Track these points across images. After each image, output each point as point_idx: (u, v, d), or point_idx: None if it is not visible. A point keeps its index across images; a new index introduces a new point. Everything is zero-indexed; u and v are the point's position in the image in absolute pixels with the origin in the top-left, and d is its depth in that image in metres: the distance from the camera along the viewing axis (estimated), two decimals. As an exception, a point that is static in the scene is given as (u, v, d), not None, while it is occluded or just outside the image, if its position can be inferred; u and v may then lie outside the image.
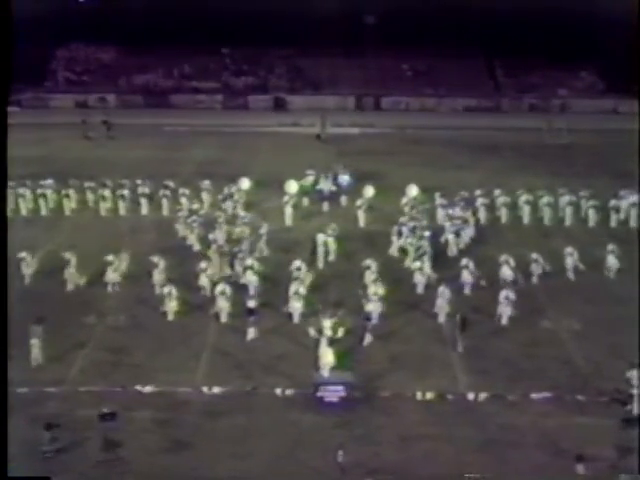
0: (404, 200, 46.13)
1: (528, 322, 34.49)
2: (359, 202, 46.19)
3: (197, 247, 41.73)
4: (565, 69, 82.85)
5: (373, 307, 33.99)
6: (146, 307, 35.87)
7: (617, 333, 33.36)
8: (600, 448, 25.36)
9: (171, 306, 35.04)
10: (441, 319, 34.62)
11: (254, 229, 41.91)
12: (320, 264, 40.16)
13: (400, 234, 41.59)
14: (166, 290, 35.25)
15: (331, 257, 41.20)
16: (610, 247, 39.08)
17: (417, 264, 38.16)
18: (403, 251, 40.93)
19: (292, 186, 48.24)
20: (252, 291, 35.98)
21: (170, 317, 34.95)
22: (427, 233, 41.22)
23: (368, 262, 37.11)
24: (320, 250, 40.74)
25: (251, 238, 41.04)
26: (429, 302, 35.30)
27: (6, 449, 21.19)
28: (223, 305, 34.76)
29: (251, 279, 36.53)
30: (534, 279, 38.16)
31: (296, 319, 34.73)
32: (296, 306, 34.77)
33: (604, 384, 29.43)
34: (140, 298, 36.75)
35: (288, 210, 45.82)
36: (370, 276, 36.24)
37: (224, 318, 34.65)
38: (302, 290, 35.22)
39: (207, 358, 31.88)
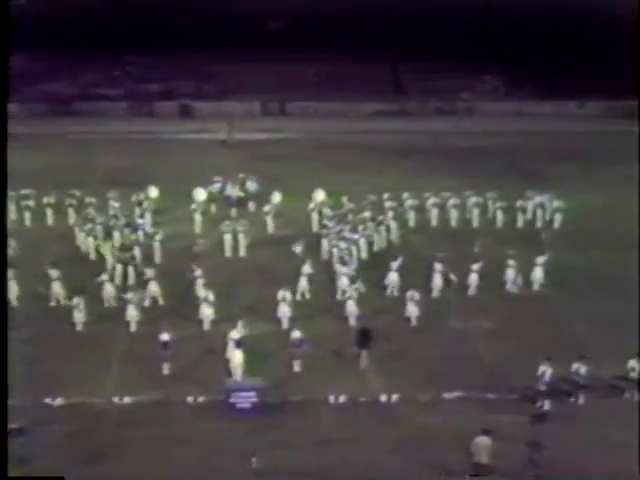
0: (311, 205, 46.20)
1: (438, 322, 34.81)
2: (267, 208, 46.13)
3: (93, 256, 41.45)
4: (469, 72, 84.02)
5: (282, 312, 34.43)
6: (52, 319, 35.28)
7: (526, 331, 33.96)
8: (512, 444, 25.67)
9: (79, 317, 34.52)
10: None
11: (149, 235, 42.25)
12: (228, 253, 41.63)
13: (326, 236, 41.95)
14: (75, 301, 34.71)
15: (242, 252, 42.13)
16: (511, 262, 38.45)
17: (343, 269, 38.21)
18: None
19: (200, 194, 47.94)
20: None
21: (79, 327, 34.45)
22: (355, 236, 41.66)
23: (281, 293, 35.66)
24: (227, 245, 41.98)
25: (145, 243, 41.65)
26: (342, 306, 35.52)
27: (6, 449, 20.73)
28: (132, 314, 34.44)
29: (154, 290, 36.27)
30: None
31: (207, 326, 34.55)
32: (207, 313, 34.57)
33: (514, 382, 29.87)
34: (45, 310, 36.13)
35: (197, 217, 45.48)
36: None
37: (134, 327, 34.38)
38: (211, 297, 34.93)
39: (117, 368, 31.40)
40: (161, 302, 36.09)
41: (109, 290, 36.21)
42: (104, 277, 36.77)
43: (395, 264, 38.24)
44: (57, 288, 36.64)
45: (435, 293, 37.65)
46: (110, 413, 28.47)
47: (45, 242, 43.55)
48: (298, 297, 36.66)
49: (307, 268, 37.59)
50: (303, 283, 37.00)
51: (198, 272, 36.70)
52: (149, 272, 37.36)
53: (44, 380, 30.30)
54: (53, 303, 36.68)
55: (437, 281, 37.80)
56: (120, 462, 25.65)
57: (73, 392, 29.27)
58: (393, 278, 37.88)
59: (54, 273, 37.05)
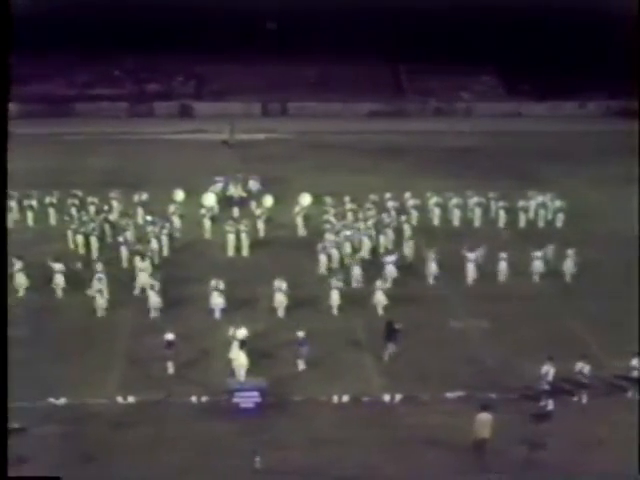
0: (297, 209, 46.20)
1: (437, 323, 34.82)
2: (258, 212, 45.99)
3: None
4: (467, 73, 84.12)
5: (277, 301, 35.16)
6: (51, 316, 35.40)
7: (524, 331, 33.99)
8: (511, 444, 25.72)
9: (101, 303, 35.32)
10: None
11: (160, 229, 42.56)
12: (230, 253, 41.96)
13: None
14: (95, 287, 35.60)
15: (245, 252, 42.29)
16: (503, 255, 39.33)
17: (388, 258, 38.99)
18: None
19: (209, 199, 47.85)
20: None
21: (100, 313, 35.25)
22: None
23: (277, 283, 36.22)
24: (230, 245, 42.21)
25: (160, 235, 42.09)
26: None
27: (6, 449, 20.68)
28: (155, 300, 35.29)
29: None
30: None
31: (217, 315, 35.00)
32: (217, 301, 35.06)
33: (513, 381, 29.91)
34: (44, 307, 36.26)
35: (206, 222, 45.12)
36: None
37: (154, 314, 35.24)
38: (222, 285, 35.40)
39: (117, 367, 31.39)
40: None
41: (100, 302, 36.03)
42: (96, 283, 36.56)
43: (391, 258, 38.85)
44: (58, 280, 37.20)
45: (470, 281, 38.76)
46: (107, 414, 28.40)
47: (47, 240, 43.48)
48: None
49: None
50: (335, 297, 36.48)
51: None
52: (140, 264, 38.04)
53: (42, 380, 30.22)
54: (59, 294, 37.20)
55: (470, 270, 38.77)
56: (115, 462, 25.67)
57: (75, 392, 29.23)
58: (391, 271, 38.35)
59: (57, 266, 37.51)
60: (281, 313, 35.36)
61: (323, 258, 40.06)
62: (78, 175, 54.37)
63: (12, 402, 27.73)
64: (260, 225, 44.96)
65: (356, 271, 38.26)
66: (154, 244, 41.37)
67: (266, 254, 42.22)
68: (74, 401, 28.78)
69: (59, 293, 37.36)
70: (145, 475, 25.18)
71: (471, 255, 38.99)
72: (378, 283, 36.17)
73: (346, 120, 75.46)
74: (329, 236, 41.61)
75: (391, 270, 38.47)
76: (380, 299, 35.65)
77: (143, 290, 36.82)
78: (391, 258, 38.98)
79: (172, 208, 45.41)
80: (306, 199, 47.58)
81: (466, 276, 38.94)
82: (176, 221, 44.63)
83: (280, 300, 35.39)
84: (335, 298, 35.78)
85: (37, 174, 53.50)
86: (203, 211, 45.87)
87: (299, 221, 45.55)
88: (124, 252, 40.66)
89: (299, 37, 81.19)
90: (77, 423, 27.71)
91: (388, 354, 31.82)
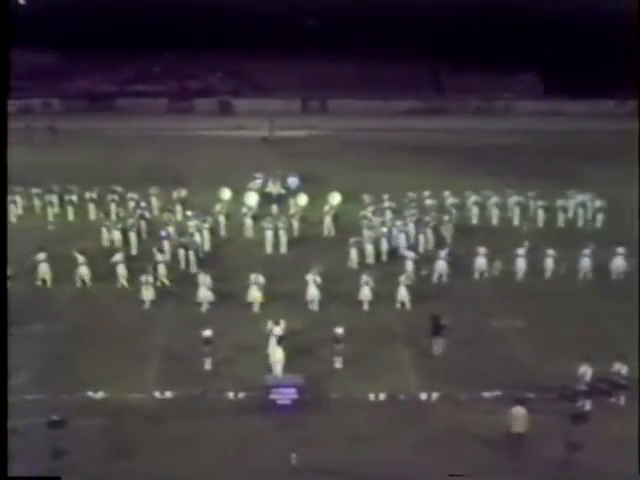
0: (326, 208, 46.13)
1: (475, 321, 34.70)
2: (292, 211, 45.98)
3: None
4: (507, 71, 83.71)
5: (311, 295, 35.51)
6: (92, 311, 35.72)
7: (562, 330, 33.79)
8: (548, 444, 25.59)
9: (147, 294, 35.77)
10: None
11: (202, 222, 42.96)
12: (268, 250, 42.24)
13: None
14: (143, 279, 35.99)
15: (282, 249, 42.43)
16: (549, 251, 39.45)
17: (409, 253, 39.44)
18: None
19: (252, 198, 47.95)
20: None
21: (147, 306, 35.73)
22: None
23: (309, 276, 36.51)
24: (269, 242, 42.42)
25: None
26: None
27: (6, 449, 20.87)
28: (205, 294, 35.63)
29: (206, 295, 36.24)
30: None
31: (256, 308, 35.24)
32: (255, 295, 35.34)
33: (551, 381, 29.72)
34: (87, 301, 36.69)
35: (248, 222, 45.07)
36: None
37: (205, 308, 35.50)
38: (261, 279, 35.72)
39: (155, 362, 31.60)
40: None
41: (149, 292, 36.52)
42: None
43: (443, 252, 39.18)
44: (83, 270, 37.96)
45: (520, 276, 39.01)
46: (145, 408, 28.54)
47: (82, 236, 43.72)
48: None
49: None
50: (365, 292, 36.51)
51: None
52: (159, 256, 38.46)
53: (80, 374, 30.49)
54: (79, 284, 37.91)
55: (521, 265, 38.96)
56: (151, 456, 25.79)
57: (114, 386, 29.39)
58: (442, 266, 38.76)
59: (80, 258, 38.22)
60: (315, 307, 35.61)
61: (354, 253, 40.28)
62: (118, 171, 54.76)
63: (51, 395, 28.44)
64: (295, 224, 44.88)
65: (408, 266, 38.36)
66: (197, 237, 41.69)
67: (303, 251, 42.21)
68: (112, 395, 28.99)
69: (87, 282, 38.02)
70: (181, 470, 25.28)
71: (521, 250, 39.14)
72: (402, 278, 36.30)
73: (386, 118, 75.36)
74: (366, 232, 41.66)
75: (442, 265, 38.73)
76: (403, 294, 35.86)
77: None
78: (443, 253, 39.23)
79: (218, 207, 45.53)
80: (336, 198, 47.60)
81: (516, 272, 39.00)
82: (222, 220, 44.74)
83: (313, 293, 35.61)
84: (366, 294, 35.85)
85: (78, 169, 53.93)
86: (245, 210, 45.86)
87: (328, 220, 45.35)
88: (166, 245, 40.97)
89: (339, 34, 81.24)
90: (114, 417, 27.86)
91: (437, 349, 31.94)
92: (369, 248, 40.79)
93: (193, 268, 39.51)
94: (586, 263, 39.12)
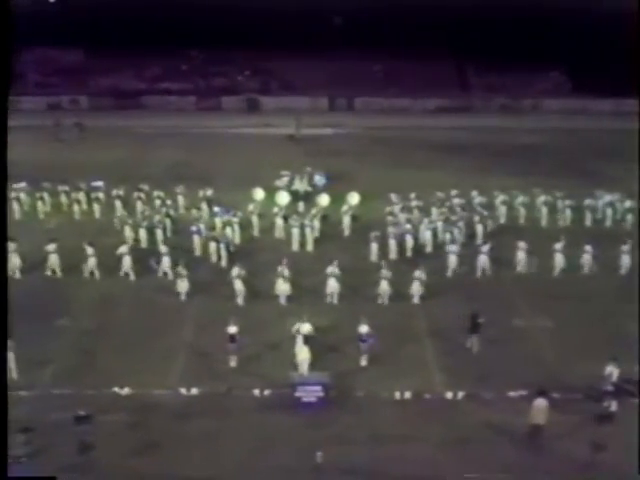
0: (344, 208, 45.81)
1: (500, 320, 34.55)
2: (314, 211, 45.34)
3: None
4: (534, 69, 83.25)
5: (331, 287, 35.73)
6: (120, 307, 35.90)
7: (588, 330, 33.64)
8: (574, 445, 25.52)
9: (182, 286, 36.28)
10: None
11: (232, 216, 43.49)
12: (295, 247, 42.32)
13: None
14: (179, 270, 36.61)
15: (309, 247, 42.58)
16: (587, 247, 39.50)
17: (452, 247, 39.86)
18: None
19: (283, 197, 47.66)
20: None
21: (183, 297, 36.19)
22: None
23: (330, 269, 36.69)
24: (295, 240, 42.54)
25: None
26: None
27: (6, 449, 20.92)
28: (239, 288, 35.95)
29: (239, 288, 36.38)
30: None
31: (283, 300, 35.68)
32: (283, 288, 35.64)
33: (576, 381, 29.62)
34: (112, 296, 36.95)
35: (279, 222, 44.46)
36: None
37: (241, 301, 36.00)
38: (287, 272, 36.00)
39: (181, 359, 31.72)
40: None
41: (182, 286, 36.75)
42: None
43: (485, 247, 39.49)
44: (91, 263, 38.59)
45: (557, 271, 39.20)
46: (171, 404, 28.73)
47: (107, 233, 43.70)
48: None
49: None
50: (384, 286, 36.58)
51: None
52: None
53: (106, 370, 30.68)
54: (87, 275, 38.57)
55: (559, 260, 39.12)
56: (177, 452, 25.98)
57: (139, 381, 29.62)
58: (484, 260, 39.09)
59: (89, 250, 38.79)
60: (335, 300, 35.93)
61: (374, 247, 40.50)
62: (145, 168, 54.86)
63: (78, 390, 28.64)
64: (316, 223, 44.22)
65: (452, 259, 38.93)
66: (228, 231, 42.11)
67: (328, 249, 42.00)
68: (138, 391, 29.18)
69: (96, 275, 38.62)
70: (206, 467, 25.43)
71: (558, 245, 39.28)
72: (417, 273, 36.33)
73: (412, 116, 75.19)
74: (391, 228, 41.80)
75: (484, 260, 38.99)
76: (416, 289, 36.10)
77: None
78: (485, 247, 39.41)
79: (251, 206, 45.52)
80: (354, 198, 47.38)
81: (554, 267, 39.16)
82: (255, 220, 44.79)
83: (333, 286, 35.89)
84: (385, 289, 35.97)
85: (105, 167, 54.08)
86: (276, 209, 45.66)
87: (346, 220, 45.00)
88: (197, 240, 41.24)
89: (366, 32, 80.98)
90: (140, 413, 28.08)
91: (473, 346, 32.12)
92: (392, 243, 40.84)
93: (224, 262, 39.81)
94: (626, 260, 39.44)
